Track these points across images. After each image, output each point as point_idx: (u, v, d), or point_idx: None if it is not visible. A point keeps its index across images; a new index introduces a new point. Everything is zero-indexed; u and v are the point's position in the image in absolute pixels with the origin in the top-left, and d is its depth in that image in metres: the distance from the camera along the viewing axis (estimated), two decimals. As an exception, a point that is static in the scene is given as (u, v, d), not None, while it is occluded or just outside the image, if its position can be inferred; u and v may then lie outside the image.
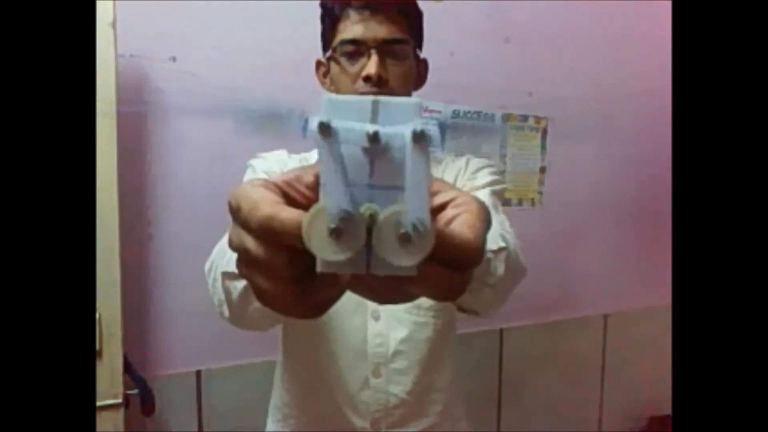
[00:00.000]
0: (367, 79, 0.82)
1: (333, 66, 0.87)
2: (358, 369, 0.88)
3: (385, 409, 0.88)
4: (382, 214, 0.28)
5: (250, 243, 0.31)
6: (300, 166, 0.39)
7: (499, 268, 0.65)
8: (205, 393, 1.44)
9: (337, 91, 0.88)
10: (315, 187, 0.33)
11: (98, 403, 1.10)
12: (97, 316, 1.09)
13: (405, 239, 0.27)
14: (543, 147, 1.90)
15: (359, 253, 0.28)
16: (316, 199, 0.29)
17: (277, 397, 0.97)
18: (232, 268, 0.51)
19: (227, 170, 1.37)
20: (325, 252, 0.28)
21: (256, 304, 0.44)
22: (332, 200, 0.28)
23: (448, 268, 0.30)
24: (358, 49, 0.83)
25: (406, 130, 0.28)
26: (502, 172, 1.83)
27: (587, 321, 2.03)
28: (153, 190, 1.37)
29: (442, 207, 0.34)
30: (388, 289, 0.30)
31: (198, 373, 1.43)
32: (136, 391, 1.24)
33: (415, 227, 0.27)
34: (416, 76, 0.91)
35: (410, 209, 0.28)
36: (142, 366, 1.32)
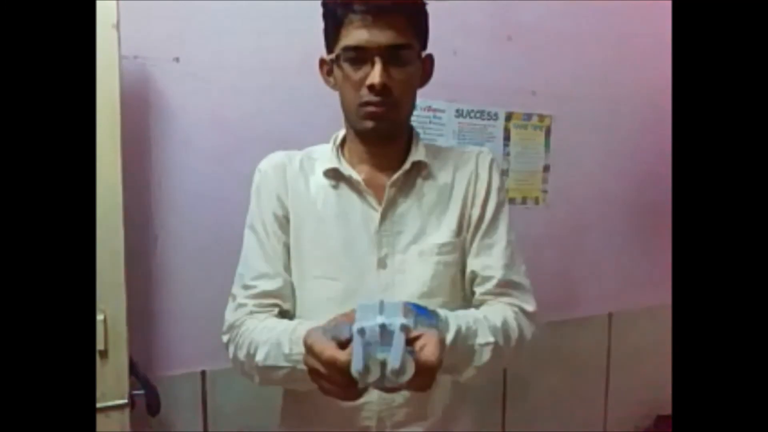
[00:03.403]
0: (371, 87, 0.82)
1: (336, 70, 0.87)
2: None
3: (389, 408, 0.88)
4: (389, 360, 0.63)
5: (320, 366, 0.67)
6: (341, 318, 0.72)
7: (485, 356, 0.82)
8: (210, 393, 1.44)
9: (342, 97, 0.89)
10: (350, 336, 0.66)
11: (104, 404, 1.11)
12: (103, 317, 1.10)
13: (396, 372, 0.63)
14: (547, 145, 1.90)
15: (378, 377, 0.63)
16: (349, 341, 0.65)
17: (285, 400, 0.99)
18: (271, 362, 0.82)
19: (232, 171, 1.38)
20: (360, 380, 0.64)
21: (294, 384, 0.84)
22: (359, 364, 0.62)
23: (423, 375, 0.64)
24: (361, 55, 0.83)
25: (396, 322, 0.65)
26: (505, 170, 1.82)
27: (592, 320, 2.02)
28: (158, 192, 1.37)
29: (417, 338, 0.66)
30: (393, 389, 0.66)
31: (203, 374, 1.43)
32: (141, 391, 1.24)
33: (402, 364, 0.62)
34: (421, 73, 0.91)
35: (396, 358, 0.62)
36: (148, 366, 1.33)
